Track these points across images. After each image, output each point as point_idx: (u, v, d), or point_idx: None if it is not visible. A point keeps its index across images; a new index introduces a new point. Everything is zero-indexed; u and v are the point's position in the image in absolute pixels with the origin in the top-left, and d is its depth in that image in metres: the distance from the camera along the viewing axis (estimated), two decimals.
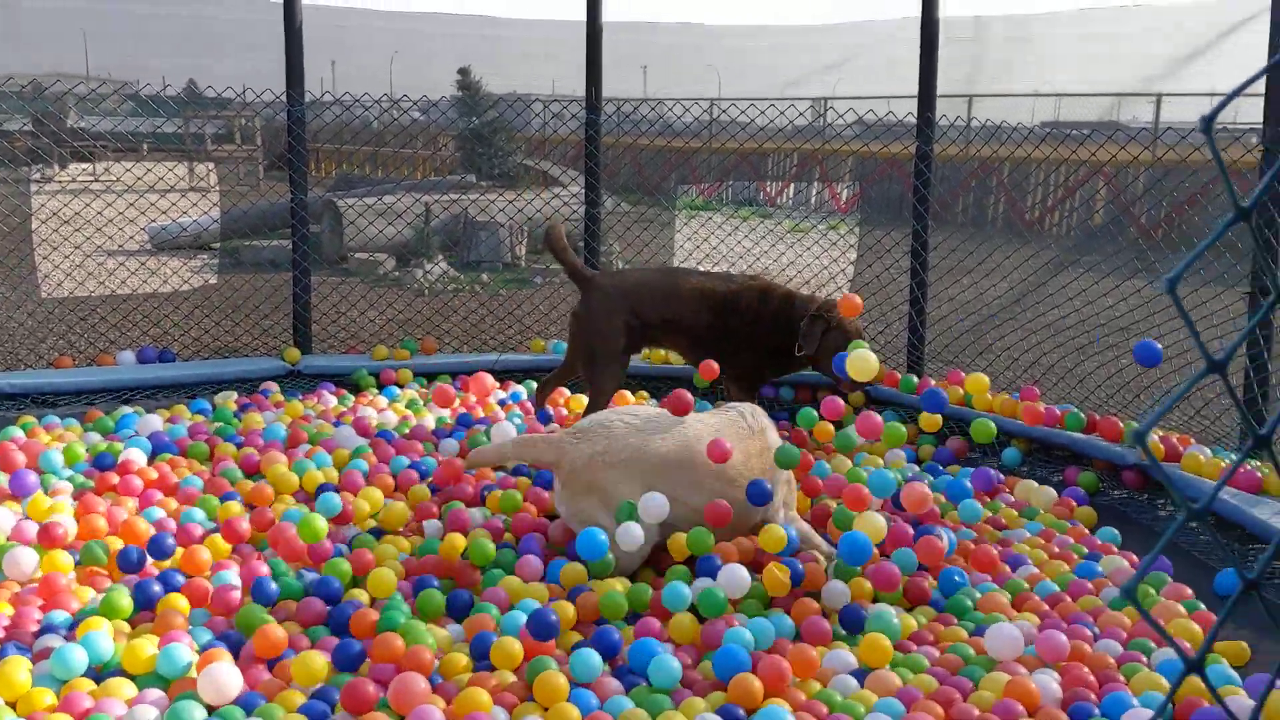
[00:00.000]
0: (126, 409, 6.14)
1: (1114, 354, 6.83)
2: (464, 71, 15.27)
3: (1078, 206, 14.38)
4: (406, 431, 5.89)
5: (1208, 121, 1.10)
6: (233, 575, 4.02)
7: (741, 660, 3.40)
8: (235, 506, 4.67)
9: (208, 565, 4.14)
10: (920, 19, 6.60)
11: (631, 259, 8.93)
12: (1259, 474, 5.03)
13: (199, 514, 4.62)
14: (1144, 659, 3.64)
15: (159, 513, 4.63)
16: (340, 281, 10.39)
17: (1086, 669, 3.48)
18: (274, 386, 6.73)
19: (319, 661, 3.39)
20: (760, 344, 5.91)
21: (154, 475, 5.03)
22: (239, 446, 5.49)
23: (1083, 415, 5.81)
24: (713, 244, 8.68)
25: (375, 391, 6.81)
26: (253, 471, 5.22)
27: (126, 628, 3.73)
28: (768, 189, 15.83)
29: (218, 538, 4.41)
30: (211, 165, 14.90)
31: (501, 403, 6.61)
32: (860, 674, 3.52)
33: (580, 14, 7.42)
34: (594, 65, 7.48)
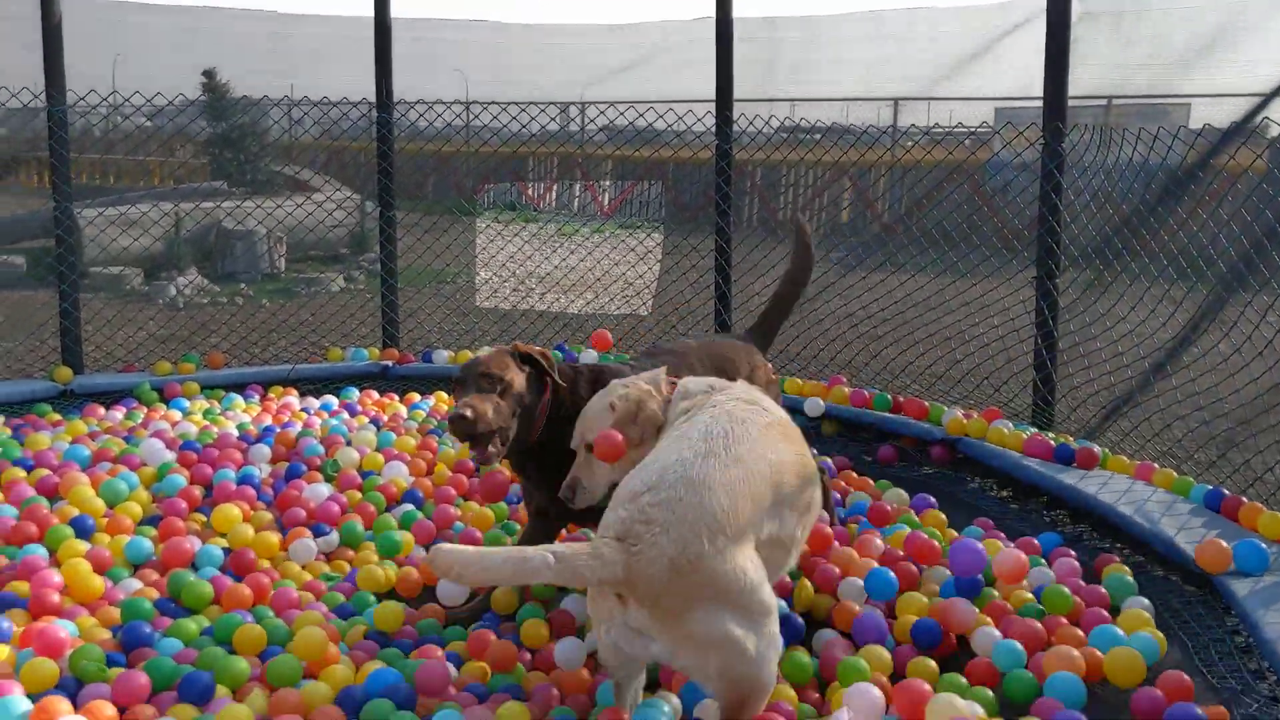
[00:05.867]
0: None
1: (902, 345, 7.20)
2: (209, 73, 14.45)
3: (826, 205, 15.12)
4: (212, 440, 5.54)
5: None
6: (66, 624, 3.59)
7: None
8: (79, 545, 4.23)
9: (59, 610, 3.73)
10: (715, 18, 6.74)
11: (427, 268, 8.69)
12: (1051, 441, 5.42)
13: (40, 550, 4.18)
14: None
15: None
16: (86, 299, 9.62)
17: None
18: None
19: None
20: None
21: None
22: (29, 470, 4.99)
23: (889, 397, 6.14)
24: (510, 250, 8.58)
25: (164, 406, 6.36)
26: (50, 495, 4.75)
27: None
28: (530, 192, 15.82)
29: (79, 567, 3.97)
30: None
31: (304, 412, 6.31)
32: None
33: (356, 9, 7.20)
34: (384, 61, 7.25)
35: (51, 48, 6.61)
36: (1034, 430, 5.68)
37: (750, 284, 7.48)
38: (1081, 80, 6.08)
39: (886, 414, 6.08)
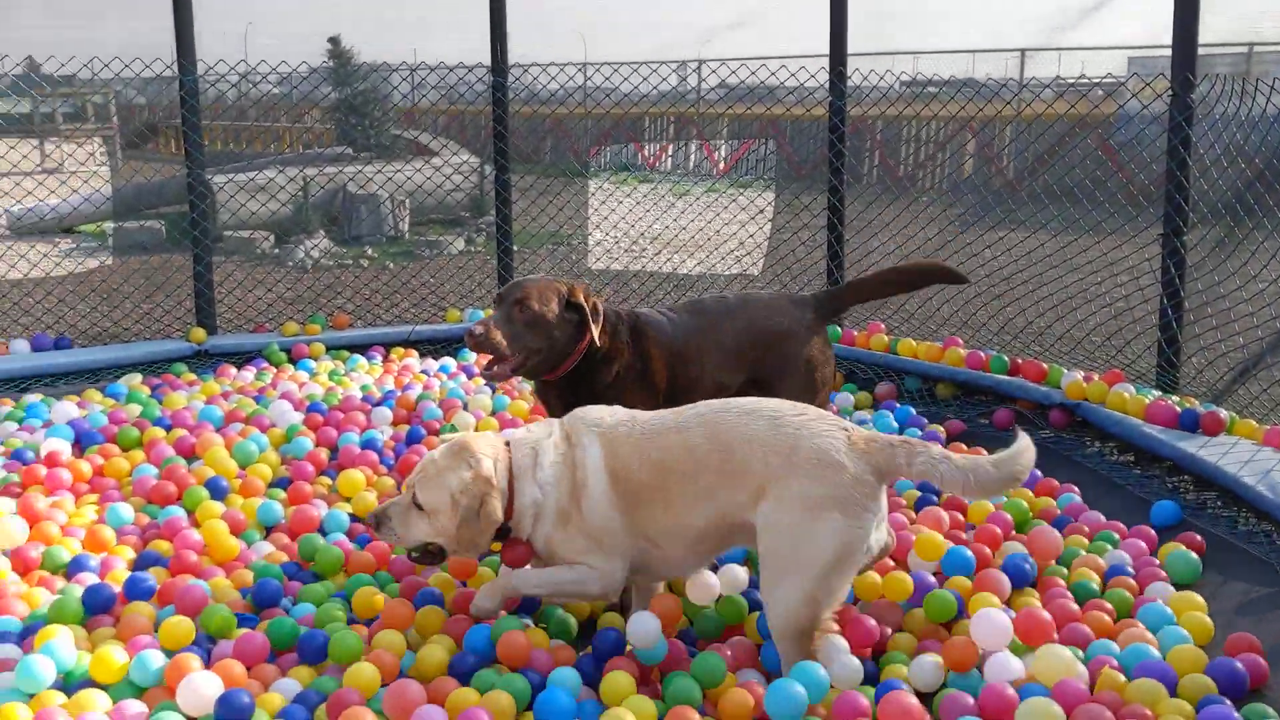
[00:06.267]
0: (32, 398, 5.81)
1: (1023, 304, 7.05)
2: (334, 40, 14.78)
3: (948, 159, 14.81)
4: (337, 402, 5.74)
5: None
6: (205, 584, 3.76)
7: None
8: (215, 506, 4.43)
9: (197, 570, 3.93)
10: None
11: (539, 230, 8.81)
12: (1176, 408, 5.26)
13: (179, 511, 4.42)
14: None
15: (126, 513, 4.38)
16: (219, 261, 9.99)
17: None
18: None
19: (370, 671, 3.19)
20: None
21: (85, 468, 4.77)
22: (167, 429, 5.25)
23: (1006, 359, 6.02)
24: (624, 212, 8.63)
25: (291, 367, 6.62)
26: (187, 454, 4.99)
27: (84, 633, 3.50)
28: (645, 153, 15.83)
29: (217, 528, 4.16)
30: (71, 145, 14.11)
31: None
32: None
33: None
34: (498, 26, 7.31)
35: (182, 19, 6.85)
36: (1157, 394, 5.52)
37: (867, 242, 7.41)
38: (1216, 27, 5.81)
39: (1003, 377, 5.96)
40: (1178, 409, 5.23)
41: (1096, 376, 5.68)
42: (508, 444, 3.47)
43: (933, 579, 3.70)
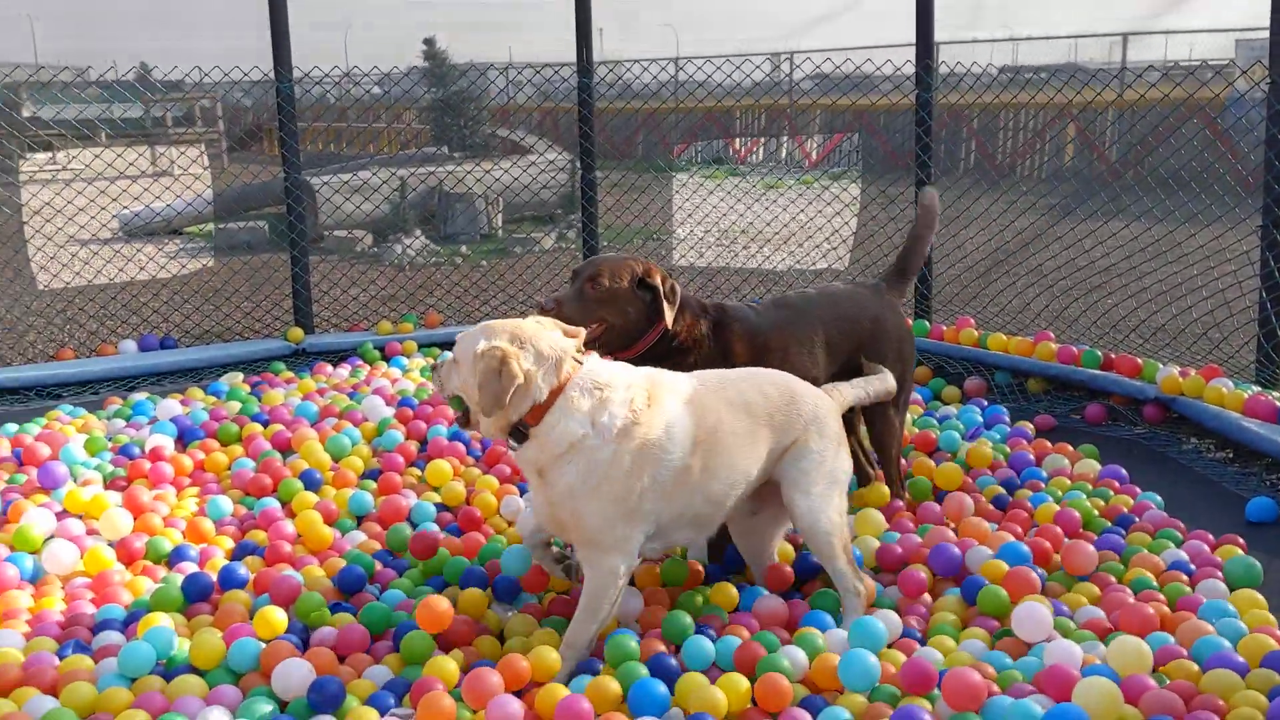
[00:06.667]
0: (138, 396, 6.06)
1: (1117, 298, 6.90)
2: (429, 41, 15.04)
3: (1047, 146, 14.49)
4: (427, 396, 5.88)
5: None
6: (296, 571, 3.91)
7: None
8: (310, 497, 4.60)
9: (292, 559, 4.08)
10: None
11: (624, 228, 8.88)
12: (1277, 403, 5.11)
13: (275, 502, 4.59)
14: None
15: (225, 505, 4.57)
16: (319, 260, 10.25)
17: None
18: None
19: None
20: None
21: (187, 462, 4.96)
22: (265, 425, 5.43)
23: (1099, 353, 5.90)
24: (711, 206, 8.63)
25: (384, 364, 6.79)
26: (283, 449, 5.17)
27: (184, 620, 3.65)
28: (736, 146, 15.81)
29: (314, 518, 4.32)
30: (178, 149, 14.62)
31: None
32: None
33: None
34: (584, 27, 7.38)
35: (278, 28, 7.04)
36: (1257, 389, 5.36)
37: (959, 233, 7.32)
38: None
39: (1096, 371, 5.85)
40: (1278, 404, 5.09)
41: (1193, 371, 5.53)
42: (579, 361, 3.37)
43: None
